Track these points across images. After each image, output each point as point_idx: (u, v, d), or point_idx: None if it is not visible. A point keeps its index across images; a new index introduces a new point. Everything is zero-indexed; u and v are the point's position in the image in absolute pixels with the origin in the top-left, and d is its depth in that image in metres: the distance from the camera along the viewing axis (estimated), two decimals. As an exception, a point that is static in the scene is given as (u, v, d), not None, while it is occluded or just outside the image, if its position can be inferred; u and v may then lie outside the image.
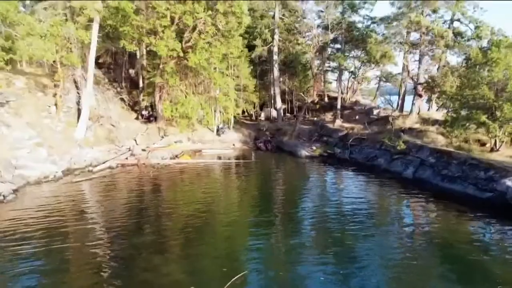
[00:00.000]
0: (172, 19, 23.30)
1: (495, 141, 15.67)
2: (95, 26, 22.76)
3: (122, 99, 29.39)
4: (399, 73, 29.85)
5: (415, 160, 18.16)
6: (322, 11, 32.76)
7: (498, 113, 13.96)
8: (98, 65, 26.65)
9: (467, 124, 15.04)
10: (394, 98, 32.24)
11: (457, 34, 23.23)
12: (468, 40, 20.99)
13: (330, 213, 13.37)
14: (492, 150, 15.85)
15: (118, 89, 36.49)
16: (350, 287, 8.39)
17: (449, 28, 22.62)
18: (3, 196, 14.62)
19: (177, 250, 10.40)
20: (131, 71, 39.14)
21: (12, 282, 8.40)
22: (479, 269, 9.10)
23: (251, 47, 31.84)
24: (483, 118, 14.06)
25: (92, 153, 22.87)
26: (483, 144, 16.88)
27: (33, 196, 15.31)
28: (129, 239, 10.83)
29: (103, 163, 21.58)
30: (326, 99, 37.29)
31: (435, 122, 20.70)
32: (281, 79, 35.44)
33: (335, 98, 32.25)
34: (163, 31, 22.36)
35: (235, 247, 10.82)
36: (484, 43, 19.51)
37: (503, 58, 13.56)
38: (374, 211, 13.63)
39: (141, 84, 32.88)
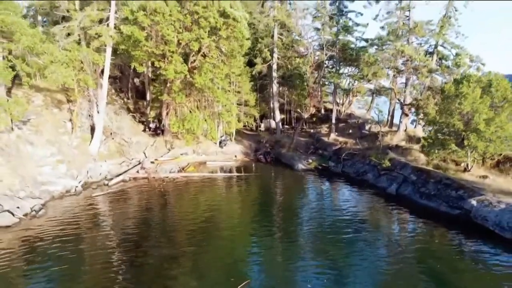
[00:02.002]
0: (179, 43, 25.35)
1: (467, 163, 17.75)
2: (109, 50, 24.82)
3: (133, 116, 31.41)
4: (390, 88, 31.88)
5: (399, 177, 20.21)
6: (318, 29, 34.82)
7: (466, 142, 16.05)
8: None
9: (441, 149, 17.10)
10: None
11: (441, 57, 25.32)
12: (448, 67, 23.01)
13: (322, 226, 15.53)
14: (465, 170, 17.92)
15: (125, 99, 38.66)
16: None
17: (433, 53, 24.72)
18: (35, 211, 16.75)
19: (186, 259, 12.45)
20: (136, 80, 41.11)
21: (46, 281, 10.68)
22: (442, 276, 11.17)
23: (251, 63, 33.91)
24: (453, 146, 16.16)
25: (106, 166, 24.96)
26: (459, 164, 18.93)
27: (60, 210, 17.36)
28: (144, 249, 13.03)
29: (117, 176, 23.63)
30: (322, 111, 39.36)
31: (419, 140, 22.72)
32: (280, 88, 37.50)
33: (331, 110, 34.29)
34: (171, 56, 24.42)
35: (239, 256, 12.89)
36: (464, 68, 21.62)
37: (471, 93, 15.61)
38: (361, 225, 15.61)
39: (148, 97, 34.92)
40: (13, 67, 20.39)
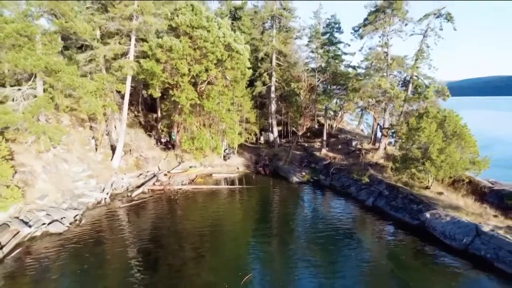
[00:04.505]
0: (189, 72, 29.34)
1: (428, 181, 21.77)
2: (129, 79, 28.82)
3: (149, 135, 35.36)
4: (371, 114, 35.82)
5: (375, 191, 24.16)
6: (313, 51, 38.81)
7: (423, 167, 20.04)
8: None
9: (406, 171, 21.13)
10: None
11: (417, 86, 29.33)
12: (419, 95, 26.95)
13: (310, 231, 19.46)
14: (426, 187, 21.90)
15: (136, 112, 42.69)
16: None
17: (409, 81, 28.74)
18: (78, 220, 20.71)
19: (203, 259, 16.24)
20: (144, 92, 45.02)
21: (86, 275, 14.48)
22: (392, 271, 15.08)
23: (252, 84, 37.97)
24: (414, 170, 20.19)
25: (126, 179, 28.95)
26: (423, 181, 22.89)
27: (96, 220, 21.26)
28: (168, 251, 16.82)
29: (138, 187, 27.60)
30: (316, 125, 43.40)
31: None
32: (278, 102, 41.54)
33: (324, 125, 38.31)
34: (184, 85, 28.40)
35: (243, 256, 16.77)
36: (430, 100, 25.70)
37: (428, 127, 19.55)
38: (342, 231, 19.41)
39: (158, 114, 38.90)
40: (52, 98, 24.34)
